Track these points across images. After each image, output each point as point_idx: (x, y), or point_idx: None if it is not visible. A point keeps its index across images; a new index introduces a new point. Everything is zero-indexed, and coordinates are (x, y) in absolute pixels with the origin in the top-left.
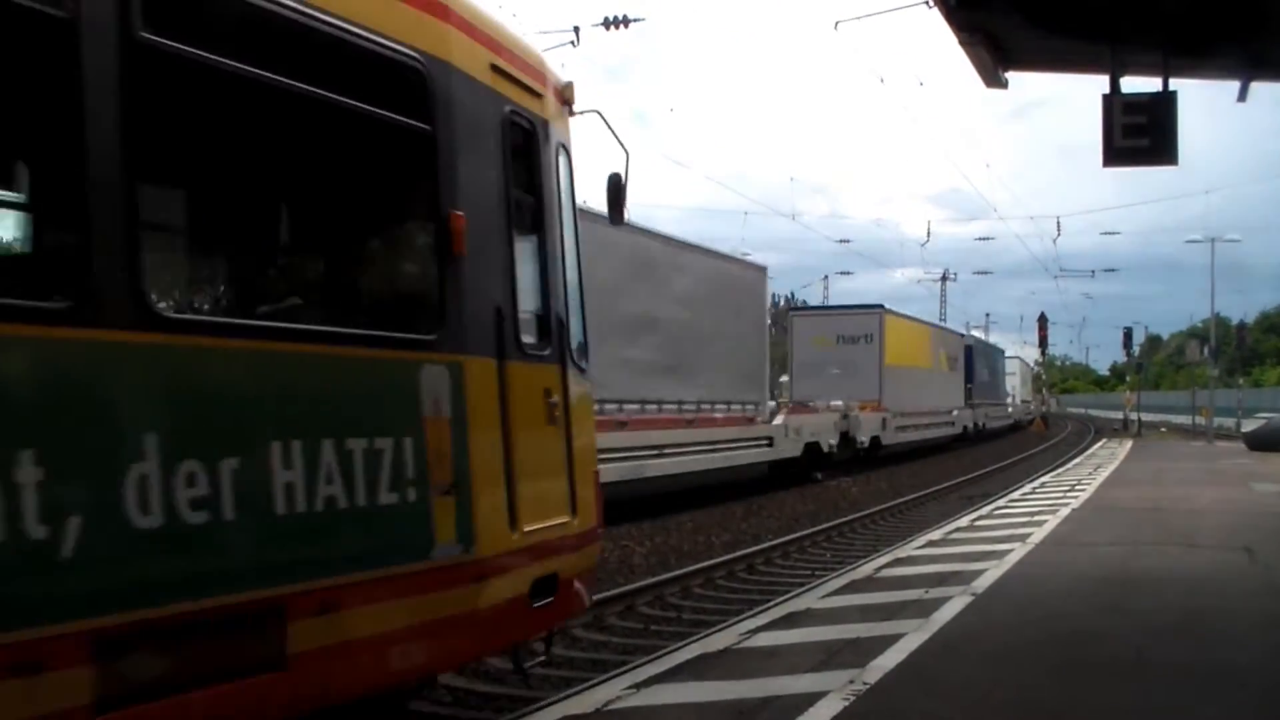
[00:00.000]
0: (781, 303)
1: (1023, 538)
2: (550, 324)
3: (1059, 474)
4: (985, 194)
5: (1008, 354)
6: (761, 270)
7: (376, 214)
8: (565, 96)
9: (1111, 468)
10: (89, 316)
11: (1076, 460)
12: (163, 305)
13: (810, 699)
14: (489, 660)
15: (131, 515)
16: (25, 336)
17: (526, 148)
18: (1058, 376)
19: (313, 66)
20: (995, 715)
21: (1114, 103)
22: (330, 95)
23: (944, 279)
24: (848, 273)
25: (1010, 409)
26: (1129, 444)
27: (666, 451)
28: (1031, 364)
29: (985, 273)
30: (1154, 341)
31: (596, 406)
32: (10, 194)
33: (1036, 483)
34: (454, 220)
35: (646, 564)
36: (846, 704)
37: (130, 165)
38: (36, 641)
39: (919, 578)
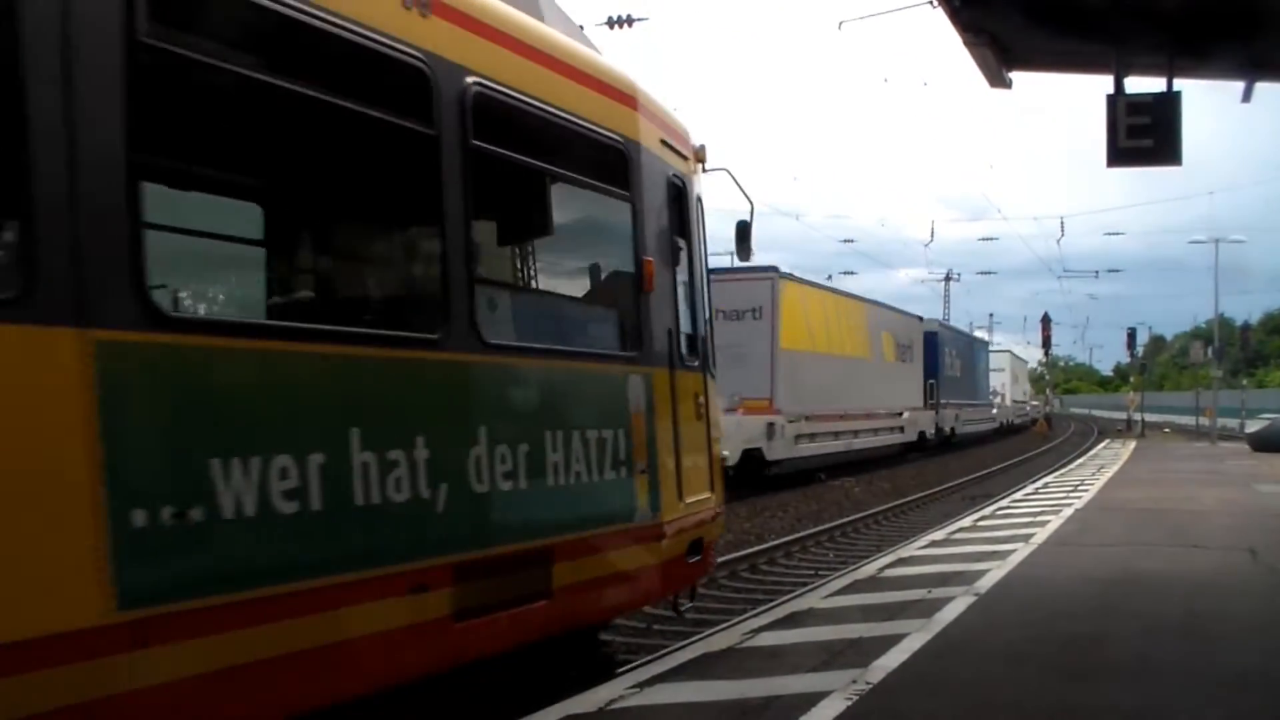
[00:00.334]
0: None
1: (1026, 538)
2: (696, 340)
3: (1062, 474)
4: (989, 194)
5: (996, 346)
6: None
7: (606, 264)
8: (700, 157)
9: (1115, 468)
10: (452, 345)
11: (1079, 461)
12: (496, 340)
13: (813, 699)
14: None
15: (472, 484)
16: (429, 360)
17: (680, 202)
18: (1061, 377)
19: (565, 153)
20: (998, 716)
21: (1118, 103)
22: (573, 174)
23: (947, 279)
24: (851, 273)
25: (995, 410)
26: (1132, 445)
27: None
28: (1035, 363)
29: (989, 273)
30: (1158, 342)
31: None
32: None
33: (1039, 483)
34: (647, 265)
35: None
36: (849, 704)
37: (471, 244)
38: (426, 569)
39: (922, 578)
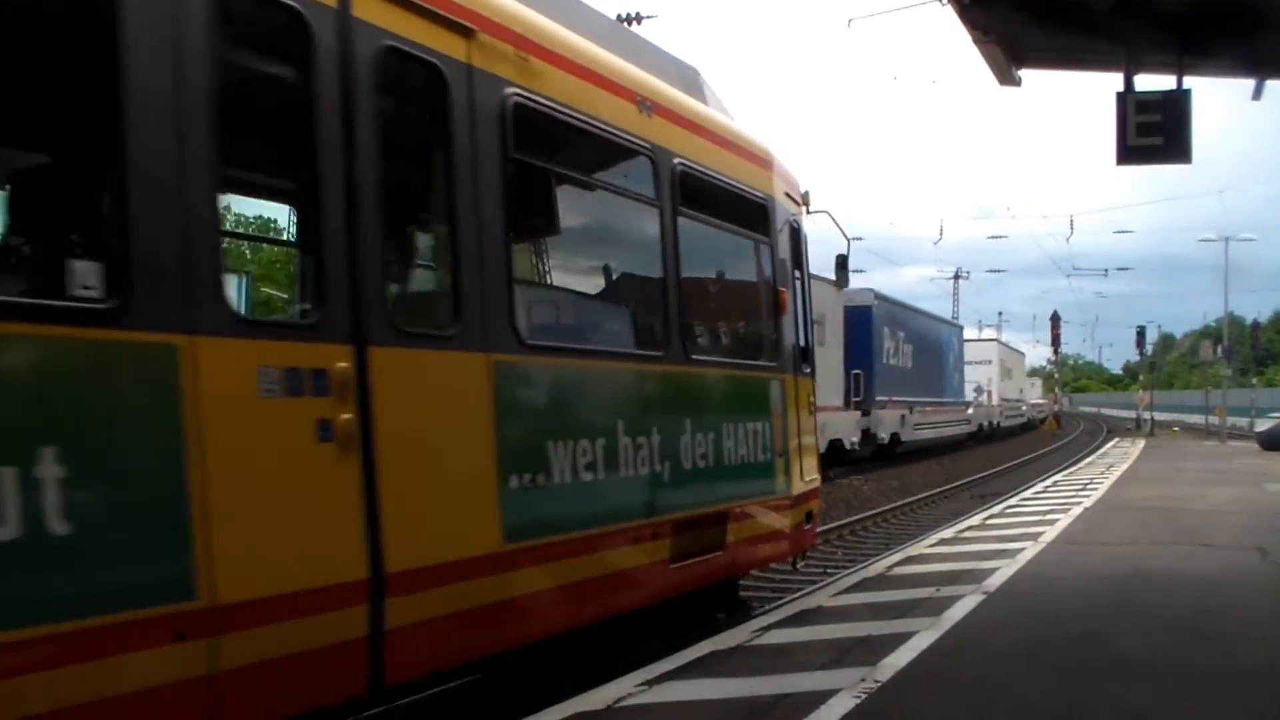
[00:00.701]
0: None
1: (1035, 536)
2: (808, 351)
3: (1071, 473)
4: (998, 192)
5: (980, 335)
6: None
7: (755, 295)
8: (806, 201)
9: (1124, 467)
10: (670, 359)
11: (1089, 459)
12: (696, 356)
13: (822, 697)
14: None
15: (682, 461)
16: (658, 370)
17: (795, 240)
18: (1070, 376)
19: (730, 210)
20: (1007, 715)
21: (1128, 100)
22: (736, 225)
23: (956, 277)
24: (860, 270)
25: (971, 410)
26: (1142, 443)
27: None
28: (1045, 361)
29: (998, 271)
30: (1167, 341)
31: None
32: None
33: (1049, 481)
34: (781, 295)
35: None
36: (858, 702)
37: (681, 287)
38: (663, 524)
39: (931, 576)
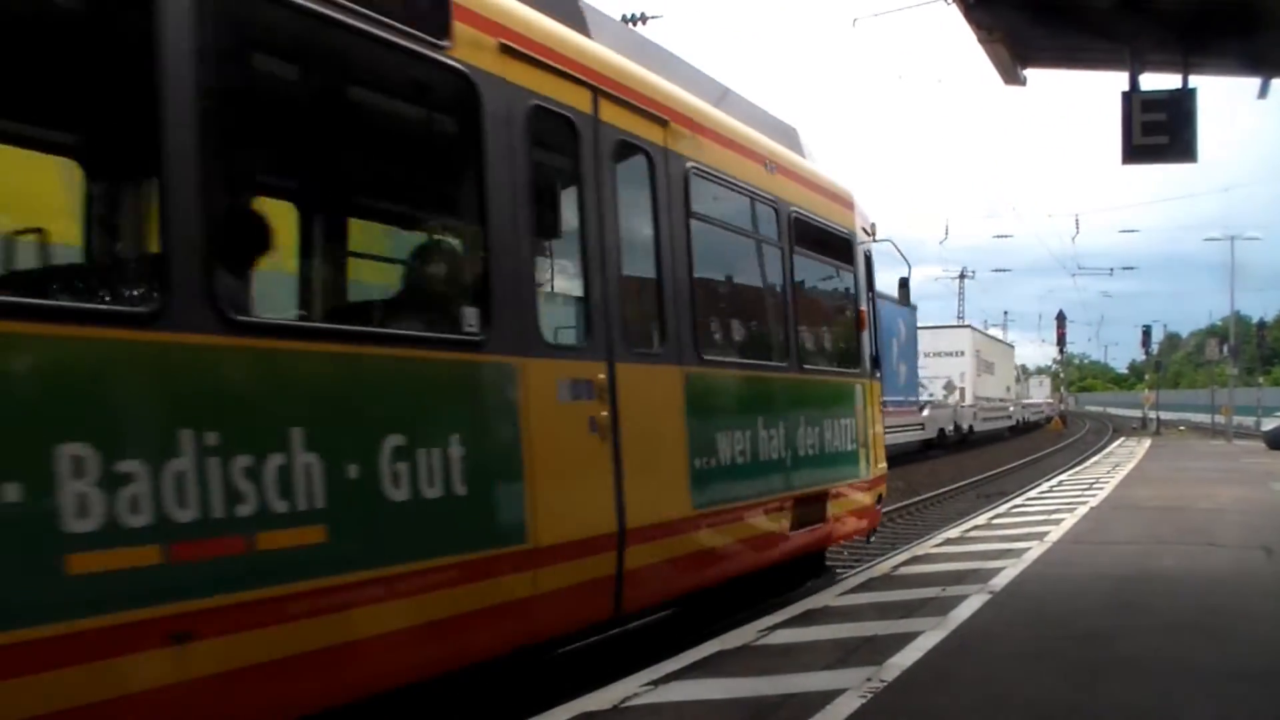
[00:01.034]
0: None
1: (1040, 536)
2: (879, 358)
3: (1077, 472)
4: (1003, 191)
5: (952, 322)
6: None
7: (844, 314)
8: (873, 231)
9: (1130, 466)
10: (790, 369)
11: (1094, 459)
12: (807, 365)
13: (828, 696)
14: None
15: (799, 448)
16: (784, 378)
17: (868, 266)
18: (1076, 375)
19: (826, 246)
20: (1013, 714)
21: (1133, 100)
22: (830, 259)
23: (962, 276)
24: None
25: (927, 412)
26: (1147, 443)
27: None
28: (1051, 360)
29: (1003, 270)
30: (1173, 340)
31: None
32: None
33: (1054, 481)
34: (861, 314)
35: None
36: (864, 701)
37: (797, 311)
38: (787, 499)
39: (936, 575)
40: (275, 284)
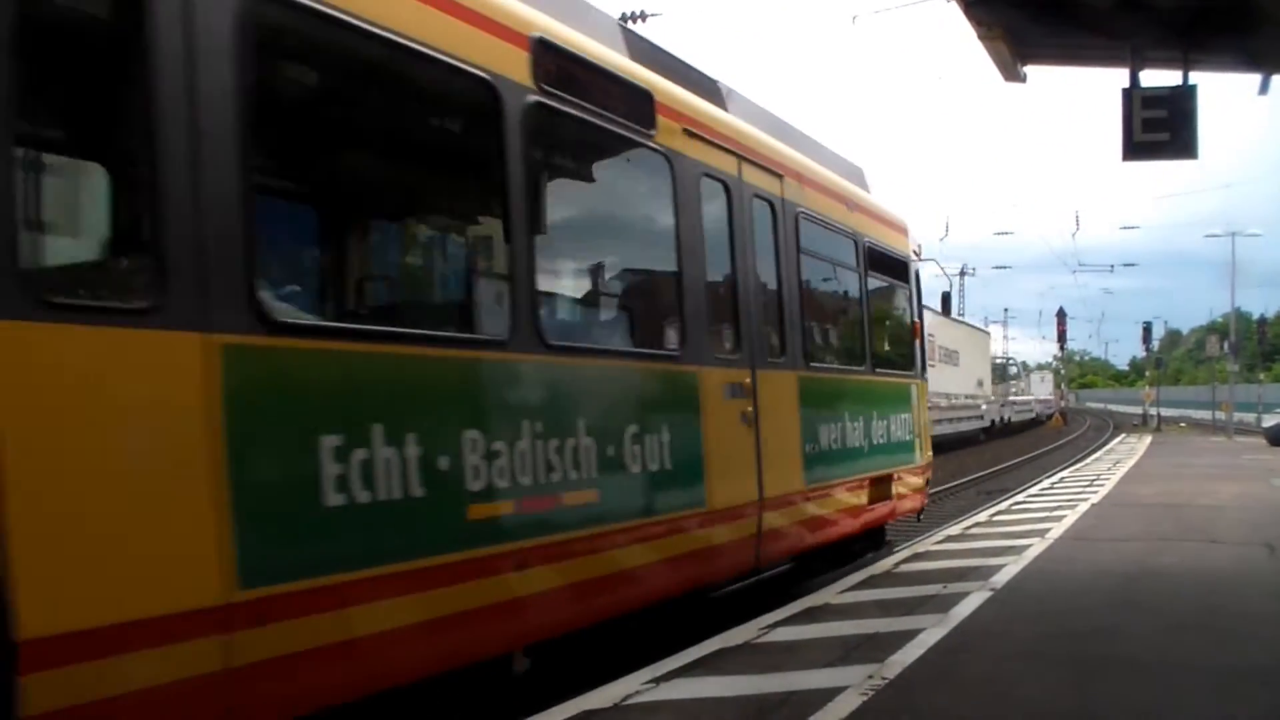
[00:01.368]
0: None
1: (1042, 533)
2: (924, 362)
3: (1078, 469)
4: (1004, 188)
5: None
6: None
7: (903, 326)
8: (919, 252)
9: (1131, 463)
10: (866, 372)
11: (1095, 455)
12: (879, 369)
13: (829, 694)
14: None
15: (874, 437)
16: (864, 379)
17: (917, 282)
18: (1076, 372)
19: (891, 269)
20: (1014, 712)
21: (1133, 96)
22: (892, 279)
23: (962, 274)
24: None
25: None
26: (1148, 439)
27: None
28: (1051, 357)
29: (1004, 267)
30: (1174, 336)
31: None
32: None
33: (1055, 478)
34: (916, 326)
35: None
36: (865, 699)
37: (872, 328)
38: (865, 479)
39: (938, 573)
40: (568, 321)
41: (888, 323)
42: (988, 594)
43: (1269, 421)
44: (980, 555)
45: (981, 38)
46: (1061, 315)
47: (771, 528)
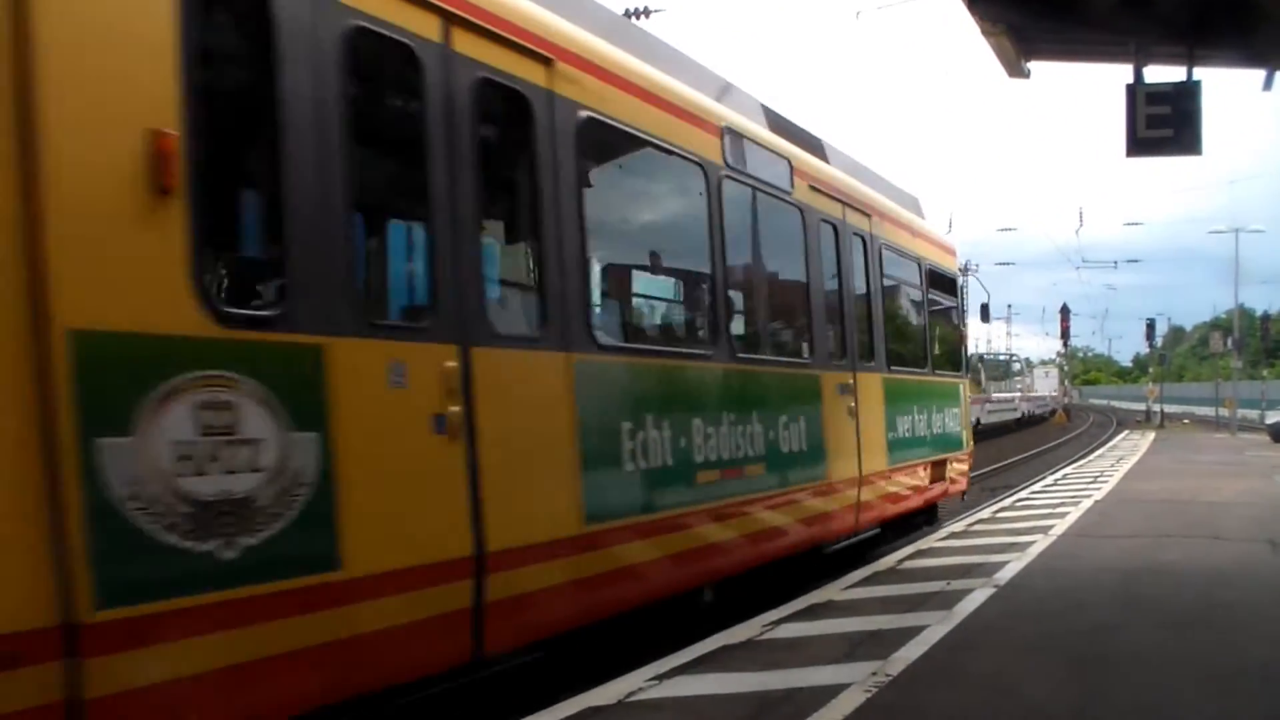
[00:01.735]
0: None
1: (1045, 529)
2: (968, 363)
3: (1081, 465)
4: (1007, 183)
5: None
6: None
7: (952, 333)
8: (964, 269)
9: (1134, 460)
10: (928, 373)
11: (1099, 452)
12: (938, 370)
13: (833, 691)
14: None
15: (933, 428)
16: (929, 381)
17: (961, 295)
18: (1080, 368)
19: (942, 286)
20: (1018, 708)
21: (1137, 92)
22: (945, 294)
23: (965, 271)
24: None
25: None
26: (1152, 436)
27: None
28: (1055, 354)
29: (1007, 264)
30: (1177, 333)
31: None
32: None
33: (1059, 474)
34: (962, 332)
35: None
36: (869, 696)
37: (932, 339)
38: (927, 462)
39: (941, 569)
40: (744, 337)
41: (940, 331)
42: (991, 591)
43: (1272, 418)
44: (984, 552)
45: (985, 34)
46: (1065, 311)
47: (866, 499)
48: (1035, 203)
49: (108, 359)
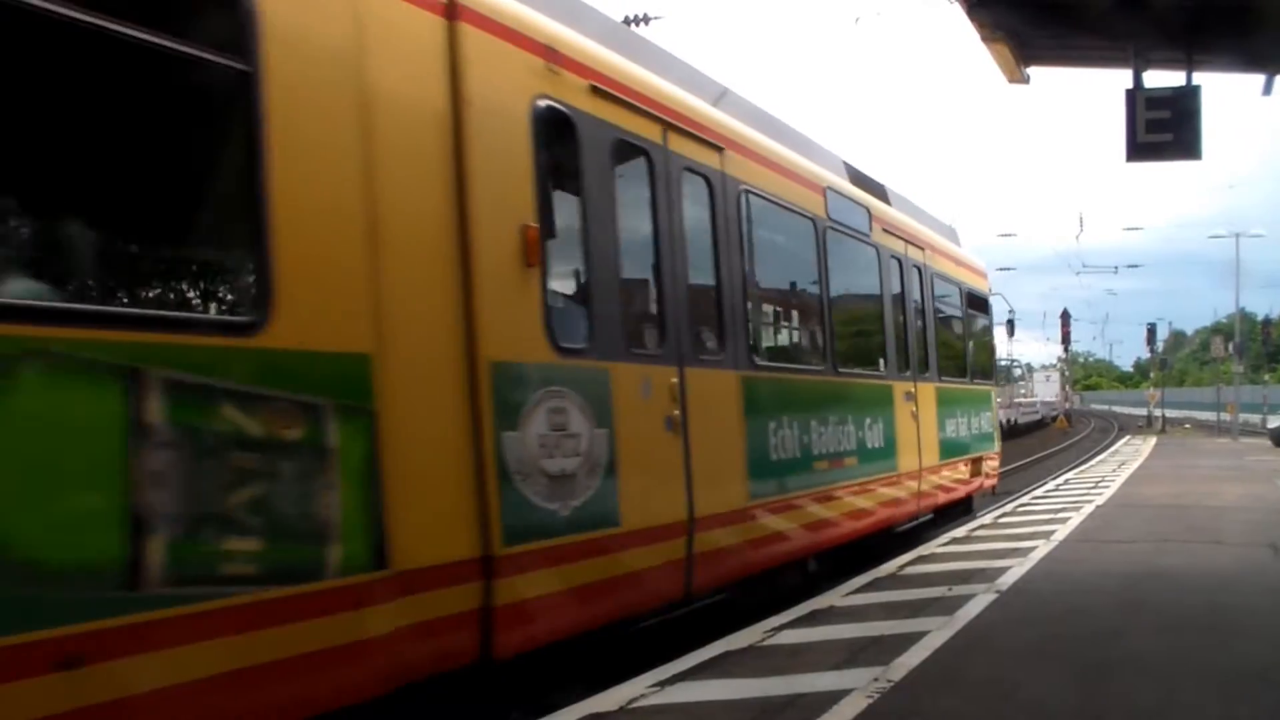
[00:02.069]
0: None
1: (1046, 535)
2: (996, 373)
3: (1082, 470)
4: (1007, 188)
5: None
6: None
7: (985, 346)
8: (990, 289)
9: (1135, 464)
10: (970, 381)
11: (1100, 457)
12: (976, 378)
13: (834, 697)
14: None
15: (972, 428)
16: (969, 387)
17: (991, 311)
18: (1081, 373)
19: (980, 306)
20: (1020, 714)
21: (1137, 97)
22: (979, 312)
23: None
24: None
25: None
26: (1153, 441)
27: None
28: (1056, 359)
29: (1007, 269)
30: (1178, 337)
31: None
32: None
33: (1060, 479)
34: (993, 345)
35: None
36: (871, 701)
37: (969, 348)
38: (968, 459)
39: (943, 575)
40: (843, 354)
41: (974, 344)
42: (993, 596)
43: (1274, 422)
44: (986, 557)
45: (984, 40)
46: (1066, 317)
47: (924, 489)
48: (1035, 208)
49: (508, 380)
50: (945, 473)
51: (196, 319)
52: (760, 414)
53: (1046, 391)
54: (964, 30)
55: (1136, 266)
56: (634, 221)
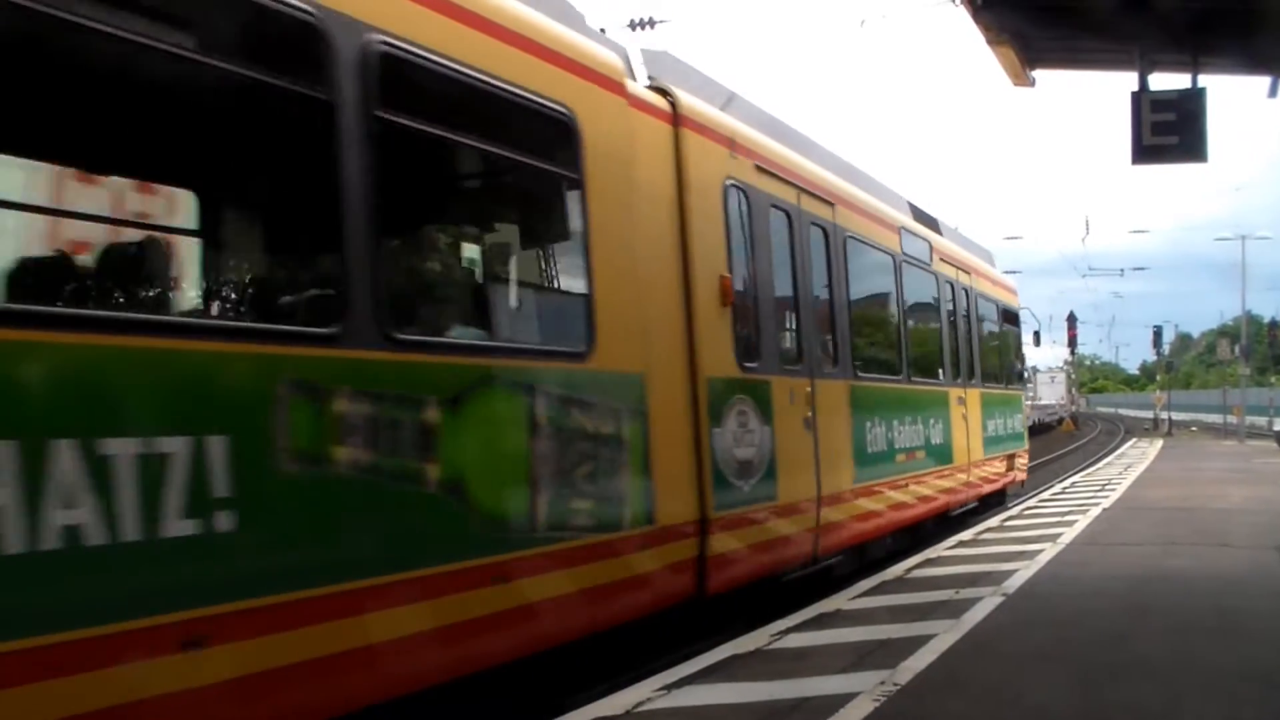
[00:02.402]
0: None
1: (1053, 538)
2: (1022, 375)
3: (1089, 473)
4: (1013, 192)
5: None
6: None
7: (1014, 352)
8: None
9: (1142, 467)
10: (1002, 386)
11: (1107, 460)
12: (1009, 384)
13: (841, 700)
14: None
15: (998, 428)
16: (999, 392)
17: (1019, 323)
18: (1087, 376)
19: (1010, 319)
20: (1027, 717)
21: (1142, 100)
22: (1012, 325)
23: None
24: None
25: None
26: (1159, 443)
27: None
28: (1062, 362)
29: (1014, 272)
30: (1184, 340)
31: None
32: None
33: (1067, 482)
34: (1022, 353)
35: None
36: (877, 705)
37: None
38: (1005, 455)
39: (950, 578)
40: (914, 364)
41: (1007, 354)
42: (1000, 599)
43: None
44: (992, 560)
45: (990, 43)
46: (1072, 319)
47: (973, 480)
48: (1041, 211)
49: (715, 390)
50: (987, 466)
51: (563, 350)
52: (861, 415)
53: (1050, 394)
54: (970, 33)
55: (1142, 269)
56: (781, 266)
